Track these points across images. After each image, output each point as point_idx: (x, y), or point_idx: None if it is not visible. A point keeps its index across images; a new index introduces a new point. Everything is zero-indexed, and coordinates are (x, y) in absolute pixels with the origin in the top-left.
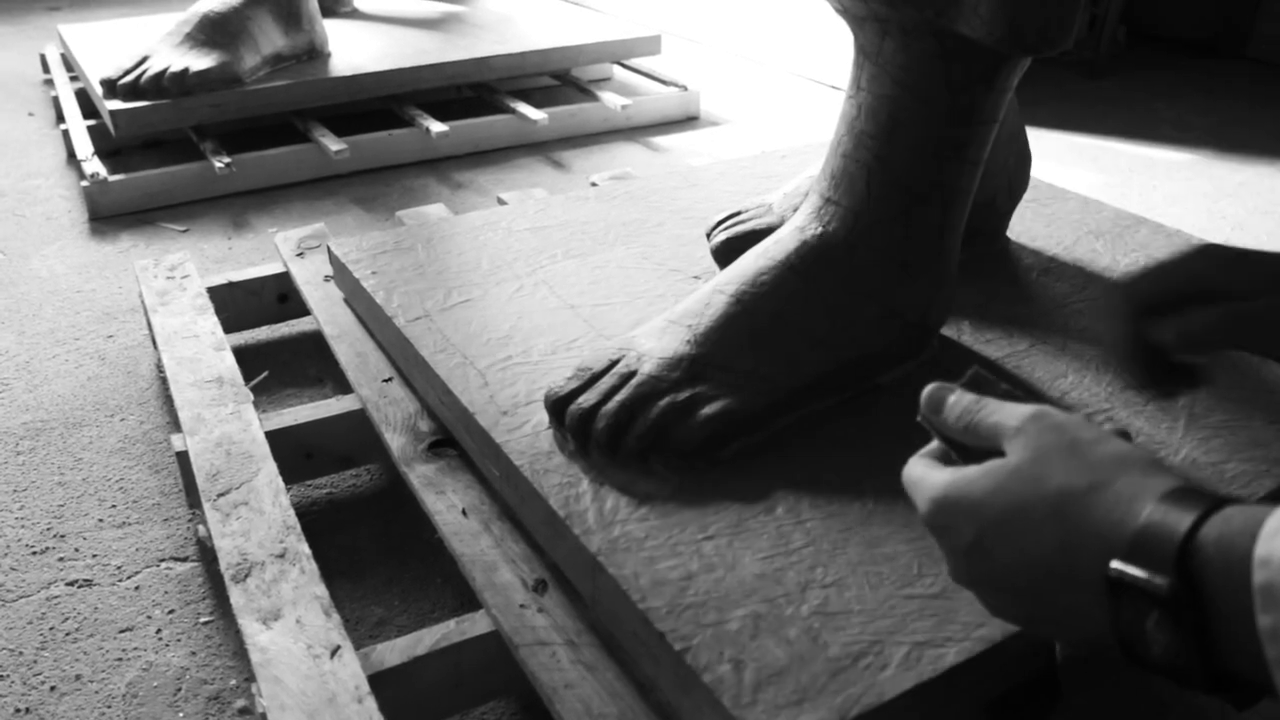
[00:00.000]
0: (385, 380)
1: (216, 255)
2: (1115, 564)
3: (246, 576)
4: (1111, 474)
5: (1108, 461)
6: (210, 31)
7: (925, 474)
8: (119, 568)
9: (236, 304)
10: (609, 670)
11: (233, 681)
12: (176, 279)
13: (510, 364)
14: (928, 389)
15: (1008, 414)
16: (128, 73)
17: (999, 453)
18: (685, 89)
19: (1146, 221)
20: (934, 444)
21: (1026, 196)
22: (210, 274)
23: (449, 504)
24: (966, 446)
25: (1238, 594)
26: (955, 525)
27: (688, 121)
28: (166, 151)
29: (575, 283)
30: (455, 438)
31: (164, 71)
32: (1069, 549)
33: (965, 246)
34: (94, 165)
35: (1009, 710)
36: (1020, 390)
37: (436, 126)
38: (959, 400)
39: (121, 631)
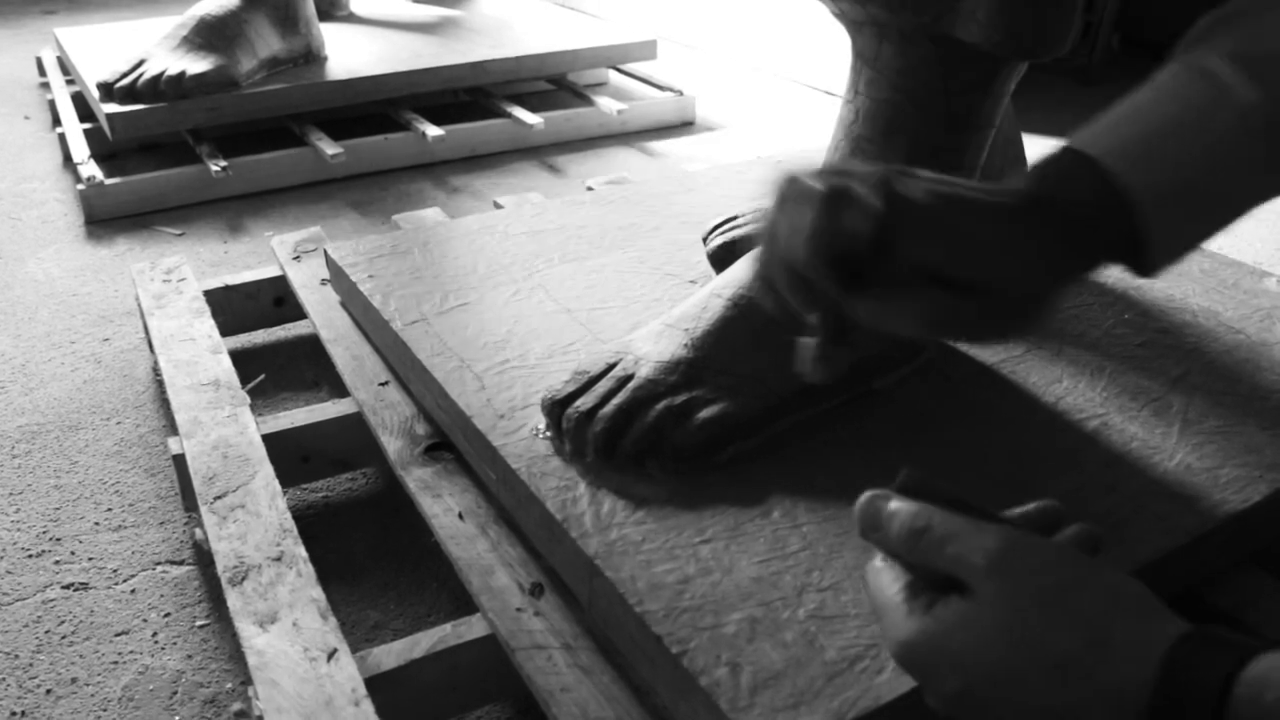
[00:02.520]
0: (382, 384)
1: (213, 259)
2: None
3: (243, 579)
4: (1105, 629)
5: (1099, 610)
6: (207, 35)
7: (894, 604)
8: (115, 571)
9: (233, 307)
10: (606, 674)
11: (229, 685)
12: (173, 282)
13: (507, 367)
14: (860, 502)
15: (970, 548)
16: (124, 76)
17: (961, 584)
18: (681, 94)
19: None
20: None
21: None
22: (206, 277)
23: (445, 507)
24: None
25: None
26: (935, 674)
27: (683, 126)
28: (163, 155)
29: (572, 287)
30: (452, 441)
31: (160, 75)
32: (1077, 711)
33: None
34: (90, 168)
35: None
36: (957, 492)
37: (432, 130)
38: (899, 517)
39: (118, 635)
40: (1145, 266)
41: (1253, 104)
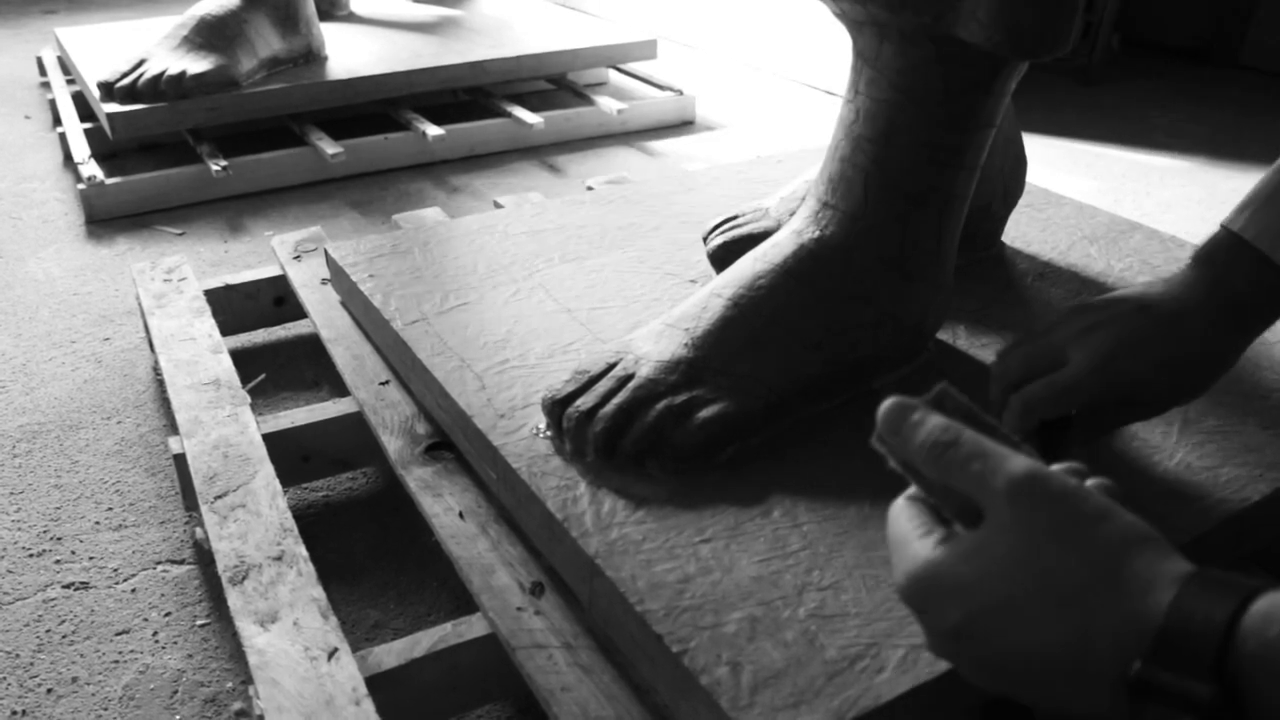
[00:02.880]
0: (382, 383)
1: (213, 258)
2: (1140, 665)
3: (244, 579)
4: (1119, 560)
5: (1113, 543)
6: (207, 35)
7: (905, 541)
8: (116, 570)
9: (233, 307)
10: (606, 673)
11: (229, 684)
12: (173, 282)
13: (507, 367)
14: (886, 404)
15: (992, 469)
16: (125, 76)
17: (976, 509)
18: (681, 94)
19: (1140, 227)
20: (904, 511)
21: (1022, 202)
22: (206, 277)
23: (446, 507)
24: (931, 481)
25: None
26: (937, 608)
27: (683, 126)
28: (163, 154)
29: (572, 286)
30: (452, 440)
31: (161, 74)
32: (1079, 645)
33: (961, 251)
34: (90, 168)
35: (1003, 713)
36: (990, 416)
37: (432, 130)
38: (925, 425)
39: (118, 634)
40: None
41: None
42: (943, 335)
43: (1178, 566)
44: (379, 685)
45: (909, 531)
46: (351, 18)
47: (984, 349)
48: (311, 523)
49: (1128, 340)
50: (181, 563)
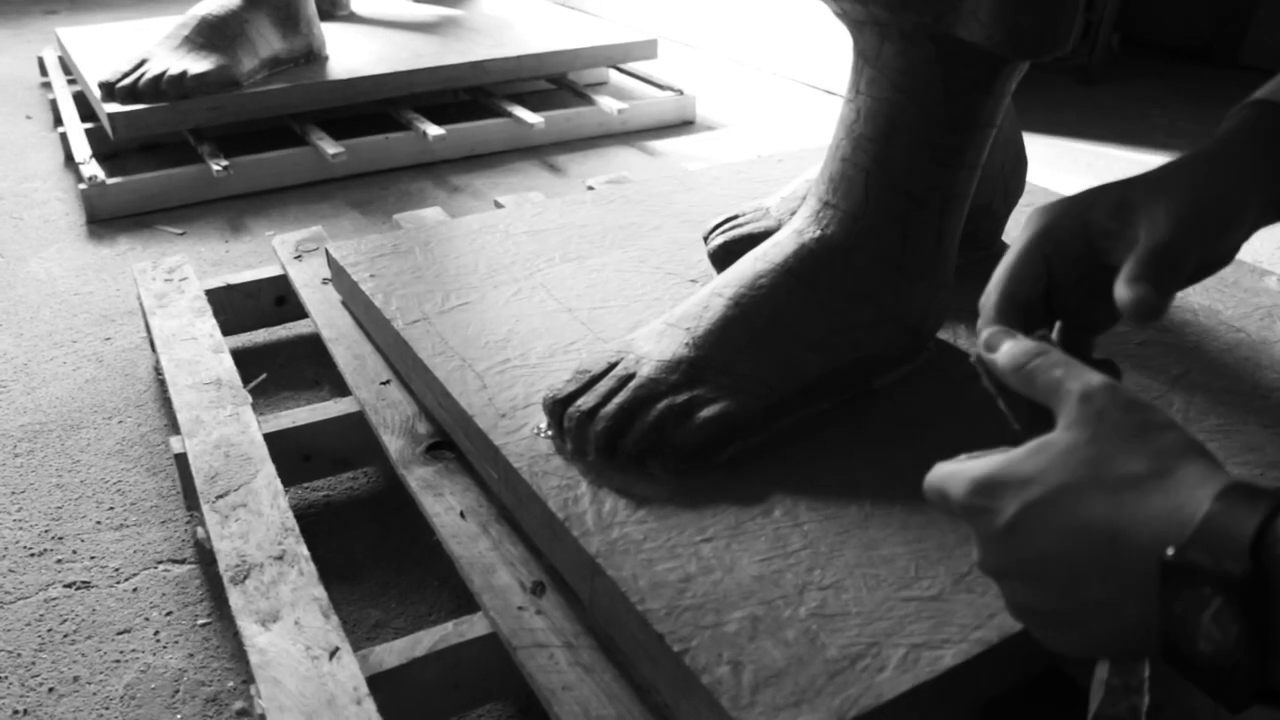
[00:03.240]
0: (383, 383)
1: (214, 258)
2: (1174, 551)
3: (245, 578)
4: (1175, 462)
5: (1173, 449)
6: (208, 35)
7: (963, 464)
8: (117, 570)
9: (234, 306)
10: (607, 672)
11: (230, 683)
12: (175, 281)
13: (508, 367)
14: (989, 330)
15: (1075, 374)
16: (126, 76)
17: (1049, 414)
18: (681, 93)
19: None
20: (957, 460)
21: (1022, 201)
22: (208, 277)
23: (447, 506)
24: (1014, 396)
25: None
26: (996, 505)
27: (684, 126)
28: (164, 154)
29: (573, 286)
30: (453, 440)
31: (162, 74)
32: (1119, 535)
33: (962, 250)
34: (92, 168)
35: (1005, 713)
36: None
37: (433, 130)
38: (1020, 344)
39: (119, 633)
40: None
41: None
42: (943, 334)
43: (1224, 476)
44: (380, 684)
45: (962, 464)
46: (352, 18)
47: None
48: (312, 522)
49: (1204, 191)
50: (183, 562)
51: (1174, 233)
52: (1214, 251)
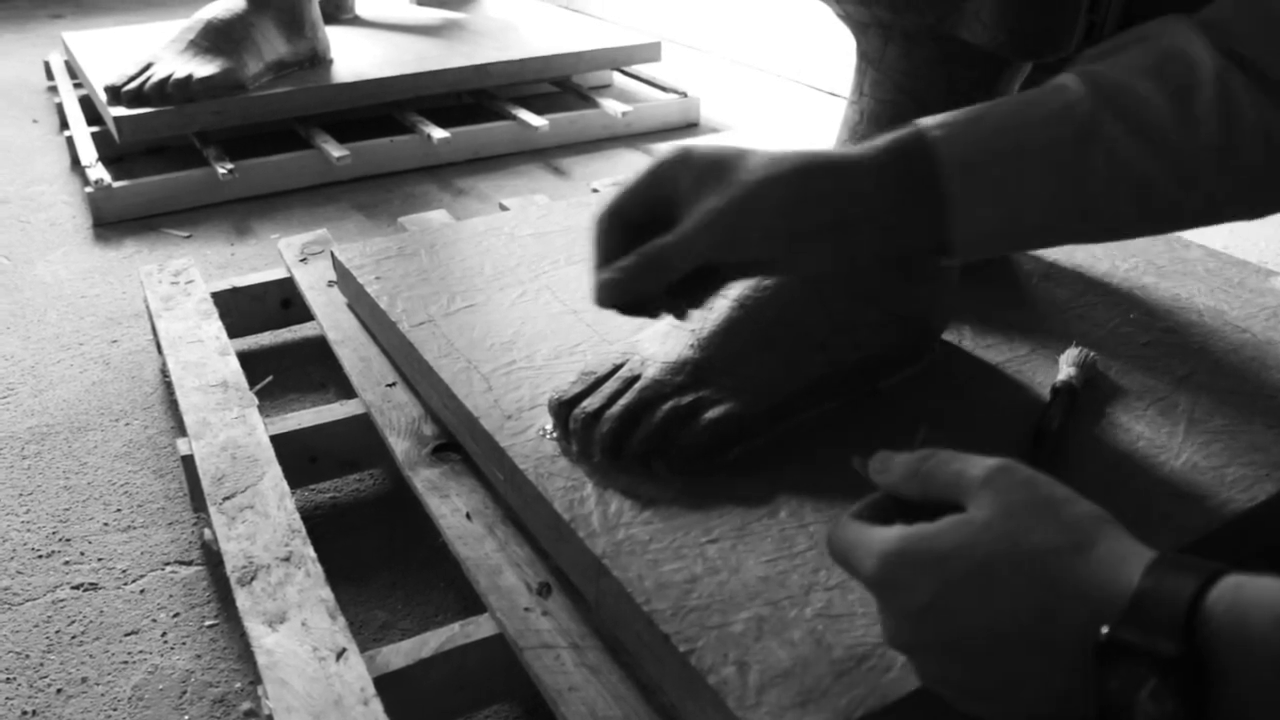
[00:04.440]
0: (389, 385)
1: (219, 261)
2: (1108, 629)
3: (252, 579)
4: (1092, 535)
5: (1086, 522)
6: (214, 38)
7: (869, 531)
8: (124, 571)
9: (240, 309)
10: (613, 673)
11: (238, 684)
12: (181, 284)
13: (514, 369)
14: (876, 456)
15: (971, 464)
16: (132, 79)
17: (956, 507)
18: (685, 96)
19: None
20: (863, 502)
21: None
22: (214, 279)
23: (453, 508)
24: (912, 504)
25: (1254, 666)
26: (911, 583)
27: (688, 128)
28: (170, 158)
29: (578, 288)
30: (459, 442)
31: (168, 78)
32: (1048, 612)
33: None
34: (98, 171)
35: None
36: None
37: (438, 133)
38: (905, 456)
39: (127, 635)
40: (950, 244)
41: (1078, 97)
42: (948, 336)
43: (1142, 548)
44: (387, 685)
45: (868, 530)
46: (356, 21)
47: (989, 350)
48: (319, 524)
49: (746, 193)
50: (190, 563)
51: (685, 234)
52: (753, 255)
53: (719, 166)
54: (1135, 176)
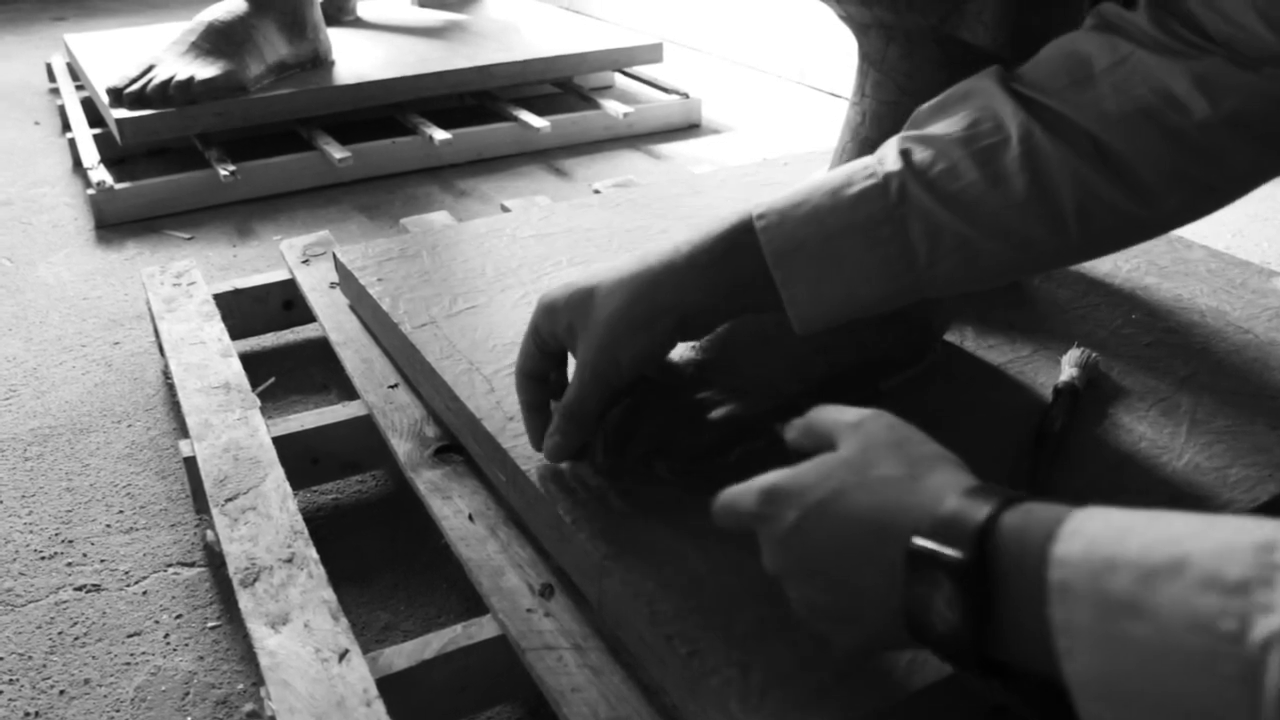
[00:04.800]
0: (391, 386)
1: (221, 262)
2: (917, 539)
3: (255, 581)
4: (928, 468)
5: (927, 458)
6: (215, 40)
7: (754, 480)
8: (127, 573)
9: (242, 311)
10: (616, 674)
11: (240, 685)
12: (183, 286)
13: None
14: (790, 424)
15: (846, 413)
16: (133, 81)
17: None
18: (687, 97)
19: None
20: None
21: None
22: (216, 281)
23: (455, 509)
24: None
25: (1028, 583)
26: (780, 511)
27: (690, 129)
28: (171, 159)
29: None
30: (461, 443)
31: (170, 80)
32: (879, 529)
33: None
34: (100, 173)
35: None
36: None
37: (439, 134)
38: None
39: (130, 636)
40: (794, 318)
41: (893, 172)
42: (950, 336)
43: (972, 480)
44: (390, 686)
45: (753, 480)
46: (358, 23)
47: (991, 350)
48: (321, 525)
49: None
50: (192, 565)
51: (576, 390)
52: (637, 371)
53: (580, 307)
54: (956, 241)
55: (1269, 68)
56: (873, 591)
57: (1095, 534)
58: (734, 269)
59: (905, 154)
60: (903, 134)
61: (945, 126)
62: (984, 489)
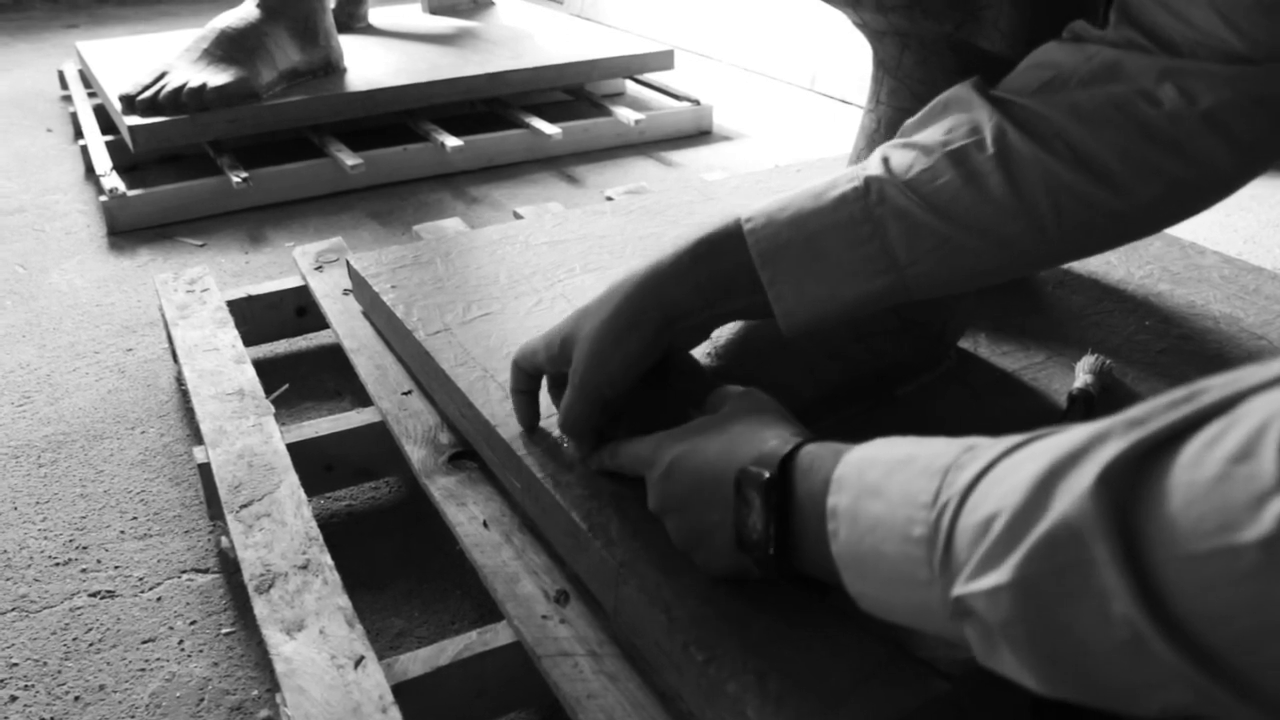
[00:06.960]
0: (405, 393)
1: (234, 269)
2: (742, 468)
3: (270, 587)
4: (774, 421)
5: (775, 417)
6: (228, 47)
7: (648, 436)
8: (141, 579)
9: (255, 317)
10: (631, 681)
11: (255, 692)
12: (196, 292)
13: None
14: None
15: (732, 388)
16: (146, 88)
17: None
18: (698, 103)
19: (1159, 234)
20: None
21: None
22: (229, 288)
23: (470, 516)
24: None
25: (820, 495)
26: (659, 458)
27: (701, 136)
28: (184, 166)
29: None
30: (475, 450)
31: (182, 87)
32: (722, 470)
33: None
34: (112, 180)
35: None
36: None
37: (451, 141)
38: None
39: (144, 642)
40: (780, 317)
41: (873, 176)
42: (964, 343)
43: (804, 432)
44: (405, 693)
45: (646, 437)
46: (370, 30)
47: (1005, 356)
48: (336, 532)
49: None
50: (206, 571)
51: (574, 392)
52: (632, 377)
53: (572, 325)
54: (935, 240)
55: (1239, 66)
56: (721, 525)
57: (874, 447)
58: (717, 269)
59: (885, 160)
60: (887, 143)
61: (927, 135)
62: (807, 437)
